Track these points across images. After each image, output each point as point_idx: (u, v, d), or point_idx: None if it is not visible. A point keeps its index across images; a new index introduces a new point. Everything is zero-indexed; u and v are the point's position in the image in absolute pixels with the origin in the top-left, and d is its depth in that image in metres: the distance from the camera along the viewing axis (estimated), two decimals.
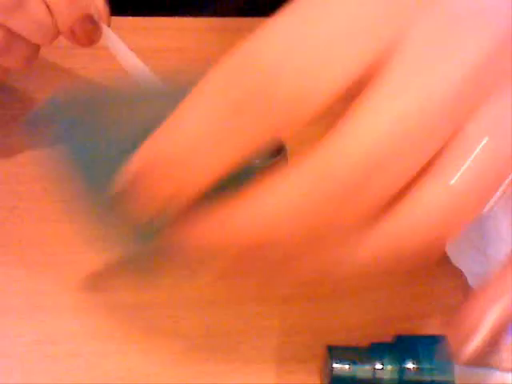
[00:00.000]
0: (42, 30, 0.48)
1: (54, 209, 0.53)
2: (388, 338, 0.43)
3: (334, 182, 0.30)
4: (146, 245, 0.37)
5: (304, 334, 0.46)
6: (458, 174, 0.30)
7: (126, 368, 0.44)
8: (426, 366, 0.41)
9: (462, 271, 0.47)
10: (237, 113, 0.30)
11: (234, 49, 0.35)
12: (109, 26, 0.51)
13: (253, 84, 0.30)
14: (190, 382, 0.43)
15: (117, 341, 0.45)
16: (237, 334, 0.46)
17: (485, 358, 0.33)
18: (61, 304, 0.47)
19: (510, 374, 0.43)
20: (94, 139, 0.35)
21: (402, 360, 0.42)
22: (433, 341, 0.42)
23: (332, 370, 0.41)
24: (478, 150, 0.30)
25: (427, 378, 0.41)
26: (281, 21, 0.31)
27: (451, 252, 0.48)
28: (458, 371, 0.42)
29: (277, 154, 0.55)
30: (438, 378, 0.41)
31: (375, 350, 0.42)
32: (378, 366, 0.41)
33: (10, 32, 0.48)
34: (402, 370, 0.41)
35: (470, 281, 0.47)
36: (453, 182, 0.30)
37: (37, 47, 0.50)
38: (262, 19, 0.67)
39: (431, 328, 0.46)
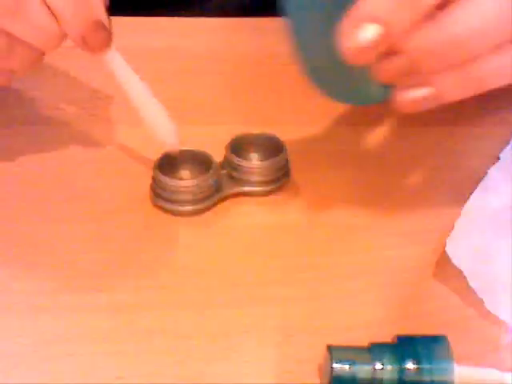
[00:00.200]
0: (44, 35, 0.48)
1: (54, 209, 0.53)
2: (388, 338, 0.43)
3: None
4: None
5: (304, 334, 0.46)
6: None
7: (125, 368, 0.44)
8: (426, 366, 0.41)
9: (462, 271, 0.47)
10: None
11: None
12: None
13: None
14: (190, 382, 0.43)
15: (117, 341, 0.45)
16: (237, 334, 0.46)
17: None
18: (61, 304, 0.47)
19: (510, 374, 0.43)
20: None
21: (402, 360, 0.42)
22: (433, 341, 0.42)
23: (332, 370, 0.41)
24: None
25: (427, 378, 0.41)
26: None
27: (452, 252, 0.48)
28: (458, 371, 0.42)
29: (277, 153, 0.55)
30: (437, 378, 0.41)
31: (375, 350, 0.42)
32: (378, 365, 0.41)
33: (10, 36, 0.48)
34: (402, 370, 0.41)
35: (471, 281, 0.47)
36: None
37: (41, 51, 0.50)
38: (263, 19, 0.68)
39: (431, 328, 0.46)
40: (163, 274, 0.49)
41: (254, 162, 0.55)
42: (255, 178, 0.54)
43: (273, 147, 0.56)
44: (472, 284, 0.47)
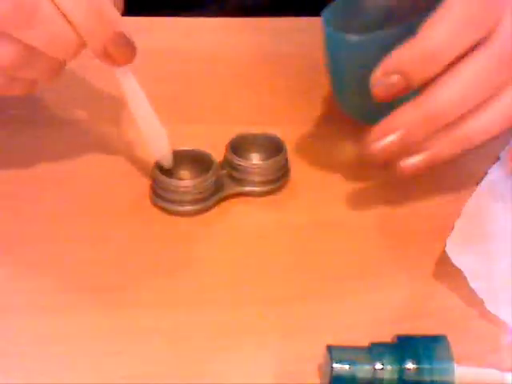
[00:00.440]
0: (62, 44, 0.47)
1: (54, 209, 0.53)
2: (388, 338, 0.43)
3: None
4: None
5: (304, 334, 0.46)
6: None
7: (125, 368, 0.44)
8: (426, 366, 0.41)
9: (462, 271, 0.47)
10: None
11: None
12: None
13: None
14: (190, 381, 0.43)
15: (117, 341, 0.45)
16: (237, 334, 0.46)
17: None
18: (61, 304, 0.47)
19: (510, 374, 0.43)
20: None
21: (402, 360, 0.42)
22: (433, 341, 0.42)
23: (332, 370, 0.41)
24: None
25: (427, 378, 0.41)
26: None
27: (451, 252, 0.48)
28: (458, 371, 0.42)
29: (277, 153, 0.55)
30: (437, 378, 0.41)
31: (375, 350, 0.42)
32: (378, 365, 0.41)
33: (26, 46, 0.47)
34: (402, 370, 0.41)
35: (471, 281, 0.47)
36: None
37: (61, 60, 0.49)
38: (263, 19, 0.68)
39: (431, 328, 0.46)
40: (163, 274, 0.49)
41: (254, 161, 0.55)
42: (255, 178, 0.54)
43: (273, 147, 0.56)
44: (472, 284, 0.47)
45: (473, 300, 0.47)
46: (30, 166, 0.56)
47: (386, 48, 0.48)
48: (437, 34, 0.47)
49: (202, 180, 0.52)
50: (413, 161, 0.50)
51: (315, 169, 0.57)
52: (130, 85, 0.51)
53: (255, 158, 0.56)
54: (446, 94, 0.48)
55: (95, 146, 0.57)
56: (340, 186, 0.55)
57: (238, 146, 0.55)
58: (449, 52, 0.48)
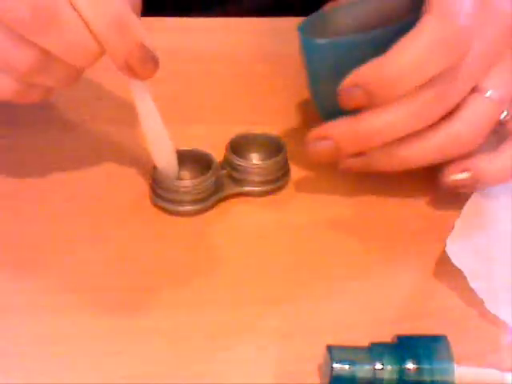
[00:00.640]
0: (80, 52, 0.46)
1: (53, 209, 0.53)
2: (388, 338, 0.43)
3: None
4: None
5: (304, 334, 0.46)
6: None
7: (126, 368, 0.44)
8: (426, 366, 0.41)
9: (462, 271, 0.47)
10: None
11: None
12: None
13: None
14: (190, 381, 0.43)
15: (117, 341, 0.45)
16: (237, 334, 0.46)
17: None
18: (61, 304, 0.47)
19: (510, 374, 0.43)
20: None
21: (402, 360, 0.42)
22: (433, 341, 0.42)
23: (332, 370, 0.41)
24: None
25: (427, 378, 0.41)
26: None
27: (451, 252, 0.48)
28: (458, 371, 0.42)
29: (277, 153, 0.55)
30: (437, 378, 0.41)
31: (375, 350, 0.42)
32: (378, 365, 0.41)
33: (45, 52, 0.46)
34: (402, 370, 0.41)
35: (471, 281, 0.47)
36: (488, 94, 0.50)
37: (78, 68, 0.48)
38: (263, 19, 0.68)
39: (431, 328, 0.46)
40: (163, 274, 0.49)
41: (254, 161, 0.55)
42: (255, 178, 0.54)
43: (273, 147, 0.56)
44: (472, 284, 0.47)
45: (473, 300, 0.47)
46: (30, 166, 0.56)
47: (355, 52, 0.50)
48: (403, 60, 0.48)
49: (201, 180, 0.52)
50: (349, 163, 0.53)
51: (315, 169, 0.57)
52: (142, 97, 0.50)
53: (255, 158, 0.56)
54: (380, 120, 0.50)
55: (95, 146, 0.57)
56: (340, 186, 0.55)
57: (238, 146, 0.55)
58: (414, 79, 0.48)
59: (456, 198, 0.53)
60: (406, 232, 0.53)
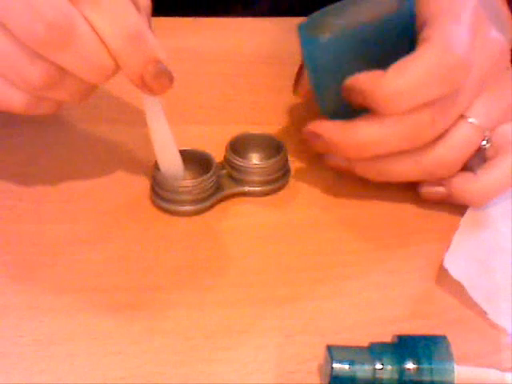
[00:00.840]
0: (95, 69, 0.46)
1: (53, 209, 0.53)
2: (388, 338, 0.43)
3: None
4: None
5: (304, 334, 0.46)
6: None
7: (126, 368, 0.44)
8: (426, 366, 0.41)
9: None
10: None
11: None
12: None
13: None
14: (190, 382, 0.43)
15: (117, 341, 0.45)
16: (237, 334, 0.46)
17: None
18: (61, 304, 0.47)
19: (510, 374, 0.43)
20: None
21: (402, 360, 0.42)
22: (433, 341, 0.42)
23: (332, 370, 0.41)
24: None
25: (427, 378, 0.41)
26: None
27: (450, 265, 0.48)
28: (458, 371, 0.42)
29: (277, 153, 0.55)
30: (437, 378, 0.41)
31: (375, 350, 0.42)
32: (378, 365, 0.41)
33: (58, 67, 0.46)
34: (402, 370, 0.41)
35: (472, 293, 0.47)
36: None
37: (93, 84, 0.48)
38: (263, 19, 0.68)
39: (431, 328, 0.46)
40: (163, 274, 0.49)
41: (254, 161, 0.55)
42: (255, 178, 0.54)
43: (273, 147, 0.56)
44: (473, 296, 0.47)
45: (473, 300, 0.47)
46: (30, 165, 0.56)
47: (355, 47, 0.51)
48: (399, 83, 0.49)
49: (202, 180, 0.52)
50: (334, 161, 0.54)
51: (315, 169, 0.57)
52: (155, 112, 0.50)
53: (255, 158, 0.56)
54: (371, 134, 0.50)
55: (95, 147, 0.57)
56: (340, 186, 0.55)
57: (238, 146, 0.55)
58: (406, 103, 0.49)
59: None
60: (405, 232, 0.53)
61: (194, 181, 0.52)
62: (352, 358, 0.42)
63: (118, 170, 0.56)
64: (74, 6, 0.44)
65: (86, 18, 0.45)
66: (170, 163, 0.52)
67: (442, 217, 0.53)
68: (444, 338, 0.43)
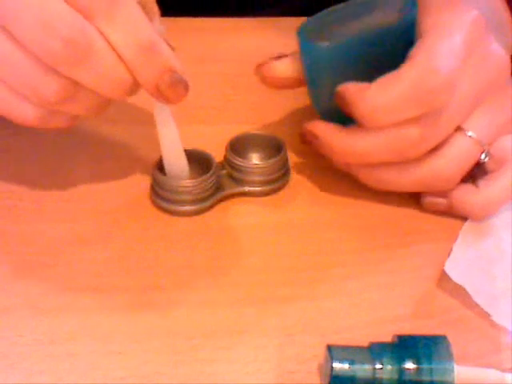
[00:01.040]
0: (114, 84, 0.46)
1: (54, 209, 0.53)
2: (388, 338, 0.43)
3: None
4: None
5: (304, 334, 0.46)
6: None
7: (126, 368, 0.44)
8: (426, 366, 0.41)
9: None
10: None
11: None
12: None
13: None
14: (190, 382, 0.43)
15: (117, 341, 0.45)
16: (237, 334, 0.46)
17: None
18: (61, 304, 0.47)
19: (510, 375, 0.43)
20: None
21: (402, 360, 0.42)
22: (433, 341, 0.42)
23: (332, 370, 0.41)
24: None
25: (427, 378, 0.41)
26: None
27: (451, 270, 0.48)
28: (458, 371, 0.42)
29: (277, 153, 0.55)
30: (437, 378, 0.41)
31: (375, 350, 0.42)
32: (378, 366, 0.41)
33: (73, 82, 0.45)
34: (402, 370, 0.41)
35: (474, 297, 0.47)
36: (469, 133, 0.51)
37: (110, 99, 0.48)
38: (263, 19, 0.68)
39: (431, 328, 0.46)
40: (163, 274, 0.49)
41: (254, 161, 0.55)
42: (255, 178, 0.54)
43: (273, 147, 0.56)
44: (476, 299, 0.47)
45: (473, 300, 0.47)
46: (30, 166, 0.56)
47: (353, 53, 0.51)
48: (377, 101, 0.49)
49: (202, 180, 0.52)
50: (334, 159, 0.54)
51: (315, 169, 0.57)
52: (166, 120, 0.50)
53: (255, 158, 0.56)
54: (364, 142, 0.51)
55: (95, 146, 0.57)
56: (340, 186, 0.55)
57: (238, 146, 0.55)
58: (385, 119, 0.50)
59: None
60: (405, 232, 0.53)
61: (194, 181, 0.52)
62: (352, 357, 0.42)
63: (118, 170, 0.56)
64: (89, 21, 0.44)
65: (101, 33, 0.45)
66: (176, 167, 0.52)
67: (443, 217, 0.53)
68: (444, 338, 0.43)
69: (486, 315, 0.47)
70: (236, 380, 0.43)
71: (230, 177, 0.54)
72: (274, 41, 0.68)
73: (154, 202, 0.53)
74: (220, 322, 0.46)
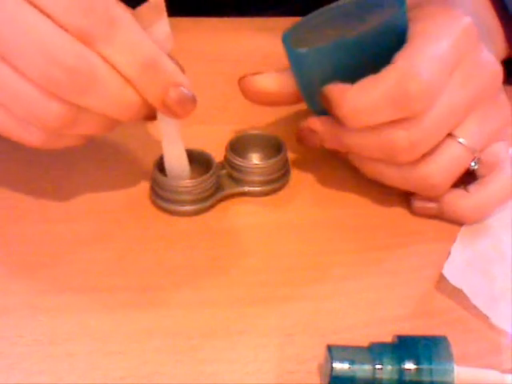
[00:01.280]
0: (121, 107, 0.46)
1: (54, 209, 0.53)
2: (388, 338, 0.43)
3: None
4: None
5: (304, 334, 0.46)
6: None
7: (126, 368, 0.44)
8: (426, 366, 0.41)
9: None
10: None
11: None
12: None
13: None
14: (190, 382, 0.43)
15: (117, 341, 0.45)
16: (237, 334, 0.46)
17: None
18: (61, 304, 0.47)
19: (510, 376, 0.43)
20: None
21: (402, 360, 0.42)
22: (433, 341, 0.42)
23: (332, 370, 0.41)
24: None
25: (427, 378, 0.41)
26: None
27: (449, 274, 0.48)
28: (458, 372, 0.42)
29: (277, 153, 0.55)
30: (437, 378, 0.41)
31: (375, 350, 0.42)
32: (378, 366, 0.41)
33: (77, 107, 0.45)
34: (402, 371, 0.41)
35: (473, 299, 0.47)
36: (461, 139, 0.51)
37: (118, 120, 0.48)
38: (263, 19, 0.68)
39: (431, 328, 0.46)
40: (163, 274, 0.49)
41: (254, 161, 0.55)
42: (255, 178, 0.54)
43: (273, 147, 0.56)
44: (475, 302, 0.47)
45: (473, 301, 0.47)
46: (30, 166, 0.56)
47: (338, 56, 0.51)
48: (357, 102, 0.49)
49: (202, 180, 0.52)
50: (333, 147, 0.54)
51: (315, 169, 0.57)
52: (171, 132, 0.51)
53: (255, 158, 0.56)
54: (352, 136, 0.51)
55: (95, 146, 0.57)
56: (340, 186, 0.55)
57: (238, 146, 0.55)
58: (365, 120, 0.50)
59: None
60: (406, 232, 0.53)
61: (194, 181, 0.52)
62: (352, 357, 0.42)
63: (118, 170, 0.56)
64: (89, 47, 0.44)
65: (102, 57, 0.44)
66: (177, 167, 0.52)
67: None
68: (444, 338, 0.43)
69: (485, 316, 0.47)
70: (236, 380, 0.43)
71: (230, 177, 0.54)
72: (274, 41, 0.68)
73: (153, 202, 0.53)
74: (220, 322, 0.46)
